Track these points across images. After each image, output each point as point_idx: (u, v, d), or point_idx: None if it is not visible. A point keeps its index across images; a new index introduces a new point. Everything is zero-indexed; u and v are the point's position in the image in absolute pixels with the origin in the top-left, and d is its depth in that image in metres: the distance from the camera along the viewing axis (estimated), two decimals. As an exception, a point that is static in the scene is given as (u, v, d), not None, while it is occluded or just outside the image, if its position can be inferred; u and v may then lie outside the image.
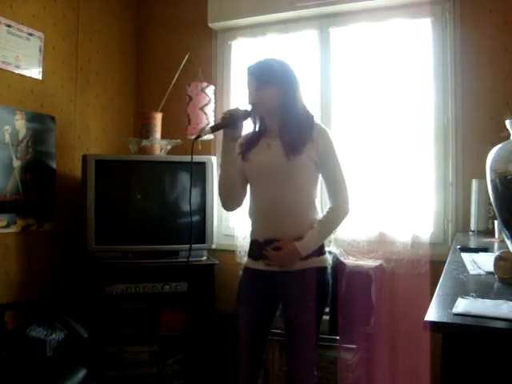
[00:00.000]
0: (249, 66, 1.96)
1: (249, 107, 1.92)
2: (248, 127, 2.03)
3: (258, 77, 1.91)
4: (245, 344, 1.96)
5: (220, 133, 1.98)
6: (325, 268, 1.94)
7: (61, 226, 2.84)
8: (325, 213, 1.94)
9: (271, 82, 1.89)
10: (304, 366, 1.90)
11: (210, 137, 2.95)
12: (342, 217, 1.94)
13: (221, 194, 2.03)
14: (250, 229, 2.03)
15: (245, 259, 2.14)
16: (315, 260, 1.90)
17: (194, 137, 2.02)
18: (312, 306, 1.87)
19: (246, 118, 1.92)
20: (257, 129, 2.02)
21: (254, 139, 1.99)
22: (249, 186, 2.02)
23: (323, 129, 1.94)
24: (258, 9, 3.01)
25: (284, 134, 1.90)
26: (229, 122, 1.88)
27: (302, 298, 1.86)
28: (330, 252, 2.66)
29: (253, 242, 1.99)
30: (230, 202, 2.04)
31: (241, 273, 2.06)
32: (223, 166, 1.97)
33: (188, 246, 2.26)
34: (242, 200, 2.05)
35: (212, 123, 2.87)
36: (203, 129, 2.80)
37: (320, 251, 1.93)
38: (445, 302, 1.07)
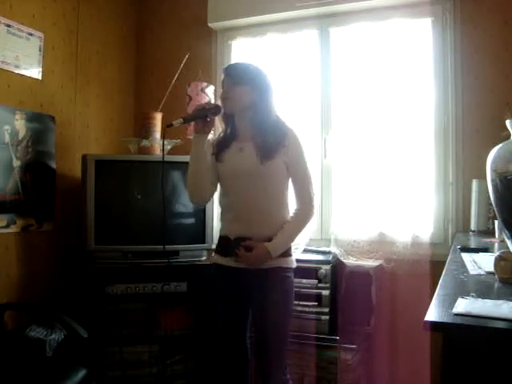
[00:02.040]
0: (226, 65, 2.06)
1: (219, 103, 1.97)
2: (219, 128, 2.09)
3: (231, 74, 1.97)
4: (223, 340, 2.03)
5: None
6: (291, 269, 1.99)
7: (60, 226, 2.84)
8: (292, 214, 2.00)
9: (243, 81, 1.94)
10: (275, 367, 1.93)
11: (209, 137, 2.96)
12: (307, 218, 2.00)
13: (189, 188, 2.06)
14: (220, 224, 2.08)
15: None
16: (283, 260, 1.96)
17: (192, 136, 2.04)
18: (283, 306, 1.93)
19: (216, 113, 1.95)
20: (228, 130, 2.05)
21: (226, 141, 2.03)
22: (220, 183, 2.06)
23: (295, 135, 1.99)
24: (257, 9, 3.01)
25: (258, 137, 1.94)
26: (200, 114, 1.92)
27: (269, 297, 1.91)
28: (330, 252, 2.68)
29: (223, 238, 2.03)
30: (198, 196, 2.08)
31: (213, 270, 2.08)
32: (192, 159, 2.00)
33: (187, 246, 2.26)
34: (211, 195, 2.11)
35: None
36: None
37: (288, 252, 1.99)
38: (445, 302, 1.07)
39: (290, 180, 2.01)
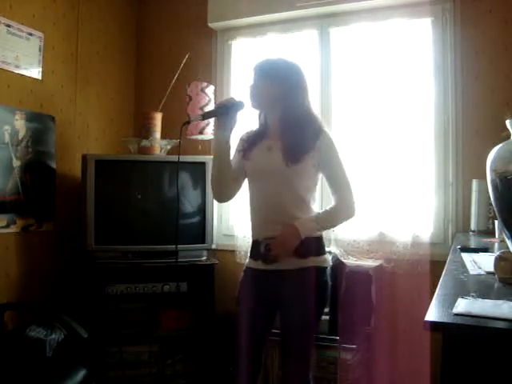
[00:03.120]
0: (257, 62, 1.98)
1: (243, 99, 1.92)
2: (248, 122, 2.03)
3: (259, 70, 1.92)
4: (245, 345, 1.94)
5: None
6: (324, 268, 1.91)
7: (60, 225, 2.84)
8: (328, 207, 1.94)
9: (271, 76, 1.88)
10: (300, 368, 1.88)
11: (209, 137, 2.96)
12: (344, 213, 1.91)
13: (213, 185, 2.02)
14: (250, 229, 2.01)
15: (244, 259, 2.14)
16: (314, 260, 1.88)
17: (193, 136, 2.03)
18: (309, 307, 1.85)
19: (238, 109, 1.89)
20: (259, 127, 2.01)
21: (256, 138, 1.98)
22: (248, 183, 2.01)
23: (329, 136, 1.90)
24: (258, 9, 3.01)
25: (285, 137, 1.88)
26: (221, 110, 1.88)
27: (300, 298, 1.84)
28: (330, 252, 2.67)
29: (253, 242, 1.99)
30: (222, 194, 2.04)
31: (242, 273, 2.04)
32: (215, 157, 1.97)
33: (187, 246, 2.26)
34: (235, 193, 2.04)
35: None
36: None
37: (319, 251, 1.91)
38: (445, 302, 1.07)
39: (327, 184, 1.93)
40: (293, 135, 1.87)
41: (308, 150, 1.85)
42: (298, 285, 1.86)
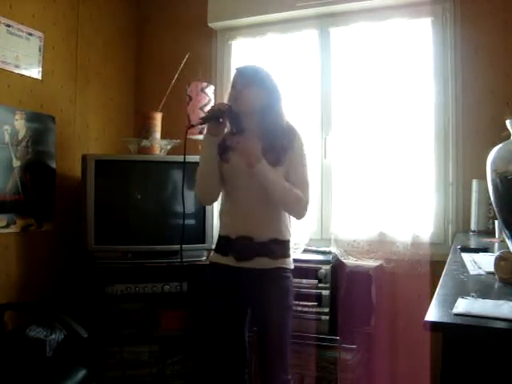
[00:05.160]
0: (238, 66, 2.05)
1: (230, 103, 1.96)
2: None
3: (243, 76, 1.97)
4: (222, 339, 2.02)
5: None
6: (291, 270, 2.00)
7: (60, 226, 2.84)
8: None
9: (255, 82, 1.94)
10: (278, 367, 1.93)
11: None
12: (295, 198, 1.90)
13: (200, 190, 2.06)
14: (219, 224, 2.08)
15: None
16: (283, 261, 1.97)
17: (193, 136, 2.05)
18: (285, 306, 1.94)
19: (228, 114, 1.95)
20: (234, 130, 2.04)
21: (231, 140, 2.01)
22: (224, 183, 2.05)
23: (301, 139, 1.98)
24: (258, 9, 3.01)
25: (265, 140, 1.92)
26: (216, 114, 1.92)
27: (269, 297, 1.92)
28: (330, 252, 2.68)
29: (223, 238, 2.03)
30: (208, 196, 2.10)
31: (210, 269, 2.08)
32: (205, 161, 2.00)
33: (187, 246, 2.25)
34: (219, 195, 2.10)
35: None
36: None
37: (287, 253, 2.00)
38: (445, 302, 1.07)
39: (288, 177, 1.96)
40: (273, 139, 1.93)
41: (287, 151, 1.92)
42: (271, 284, 1.93)
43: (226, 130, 2.03)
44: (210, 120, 1.94)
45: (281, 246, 1.97)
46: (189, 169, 2.08)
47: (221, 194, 2.09)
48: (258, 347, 2.00)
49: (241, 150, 1.89)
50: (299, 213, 1.96)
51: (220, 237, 2.05)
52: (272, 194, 1.90)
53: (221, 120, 1.93)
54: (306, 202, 1.95)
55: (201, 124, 2.01)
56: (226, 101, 2.00)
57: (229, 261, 1.98)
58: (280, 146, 1.92)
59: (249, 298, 2.00)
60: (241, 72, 1.99)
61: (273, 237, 1.95)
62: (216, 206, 2.84)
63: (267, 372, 1.95)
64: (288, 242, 2.02)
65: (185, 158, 1.99)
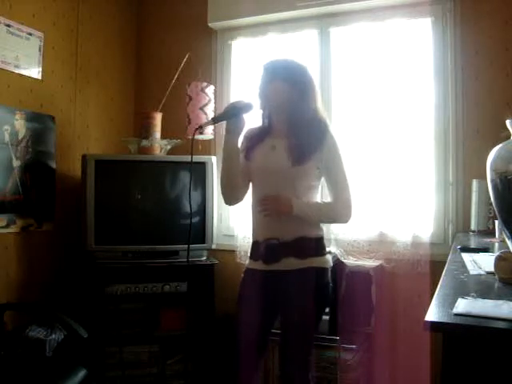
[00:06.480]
0: (265, 62, 1.98)
1: (252, 100, 1.91)
2: (253, 122, 2.02)
3: (269, 71, 1.92)
4: (246, 345, 1.94)
5: (220, 134, 1.96)
6: (325, 269, 1.91)
7: (60, 226, 2.84)
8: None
9: (282, 77, 1.88)
10: (299, 368, 1.88)
11: (209, 137, 2.96)
12: (339, 210, 1.91)
13: (223, 189, 2.02)
14: (251, 230, 2.02)
15: (244, 259, 2.14)
16: (314, 260, 1.88)
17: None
18: (309, 307, 1.85)
19: (247, 111, 1.89)
20: (263, 125, 2.00)
21: (259, 136, 1.98)
22: (251, 183, 2.01)
23: (333, 139, 1.91)
24: (258, 9, 3.01)
25: (292, 136, 1.88)
26: (231, 113, 1.87)
27: (300, 299, 1.85)
28: (330, 252, 2.67)
29: (254, 243, 1.99)
30: (232, 196, 2.03)
31: (242, 275, 2.03)
32: (225, 160, 1.95)
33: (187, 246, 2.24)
34: (244, 195, 2.04)
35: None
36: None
37: (320, 251, 1.91)
38: (445, 302, 1.07)
39: (326, 186, 1.94)
40: (300, 135, 1.87)
41: (314, 151, 1.86)
42: (298, 285, 1.86)
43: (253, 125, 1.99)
44: (222, 120, 1.91)
45: (310, 244, 1.88)
46: (188, 169, 2.06)
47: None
48: (281, 347, 1.95)
49: (270, 209, 1.85)
50: (345, 220, 1.93)
51: (252, 242, 2.01)
52: (319, 221, 1.91)
53: (239, 118, 1.87)
54: (349, 207, 1.90)
55: (212, 124, 1.96)
56: (254, 96, 1.94)
57: (258, 265, 1.93)
58: (307, 144, 1.86)
59: (278, 301, 1.92)
60: (265, 67, 1.94)
61: (299, 235, 1.87)
62: (216, 206, 2.86)
63: (289, 373, 1.91)
64: (319, 239, 1.93)
65: (192, 158, 1.92)
